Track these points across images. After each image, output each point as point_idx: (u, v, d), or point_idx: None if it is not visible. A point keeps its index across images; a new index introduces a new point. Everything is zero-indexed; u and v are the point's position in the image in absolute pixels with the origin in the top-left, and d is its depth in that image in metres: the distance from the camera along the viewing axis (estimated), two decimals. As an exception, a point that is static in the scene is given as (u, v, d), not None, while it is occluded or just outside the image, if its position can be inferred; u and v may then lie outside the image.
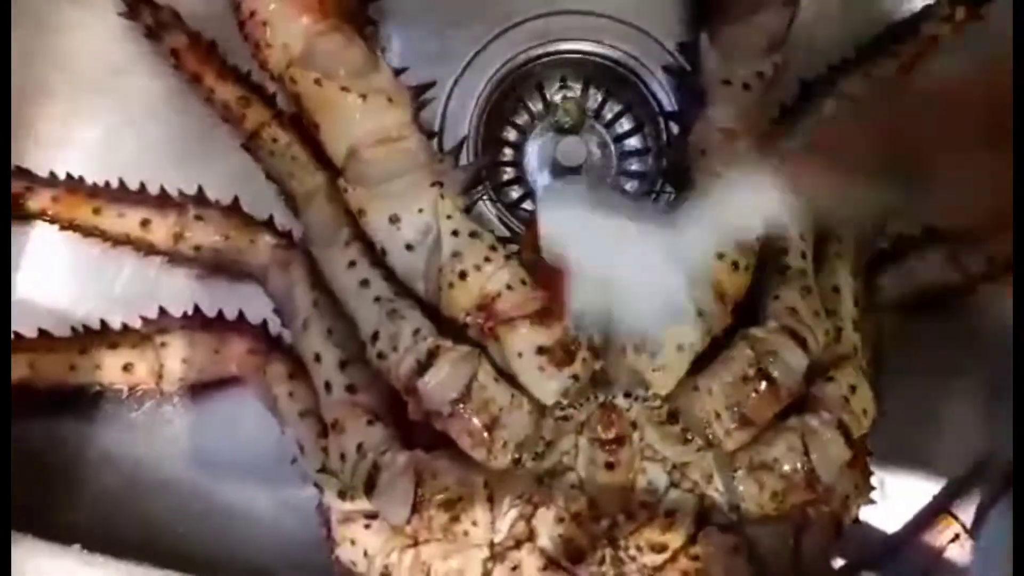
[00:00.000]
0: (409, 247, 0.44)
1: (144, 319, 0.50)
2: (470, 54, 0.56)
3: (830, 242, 0.49)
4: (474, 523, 0.41)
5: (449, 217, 0.44)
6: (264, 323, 0.50)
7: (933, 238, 0.52)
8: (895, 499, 0.54)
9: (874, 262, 0.51)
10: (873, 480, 0.50)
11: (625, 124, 0.58)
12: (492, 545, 0.41)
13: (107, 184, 0.52)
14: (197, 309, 0.50)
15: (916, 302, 0.52)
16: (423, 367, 0.41)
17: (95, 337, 0.49)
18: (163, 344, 0.48)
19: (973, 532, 0.51)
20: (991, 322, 0.55)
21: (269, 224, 0.51)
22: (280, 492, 0.51)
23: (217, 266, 0.51)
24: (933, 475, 0.55)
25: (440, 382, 0.41)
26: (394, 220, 0.45)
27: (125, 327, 0.50)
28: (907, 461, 0.55)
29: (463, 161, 0.53)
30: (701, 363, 0.43)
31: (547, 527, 0.41)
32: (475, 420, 0.41)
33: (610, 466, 0.41)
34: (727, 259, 0.44)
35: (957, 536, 0.51)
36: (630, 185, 0.57)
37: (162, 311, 0.50)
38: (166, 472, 0.52)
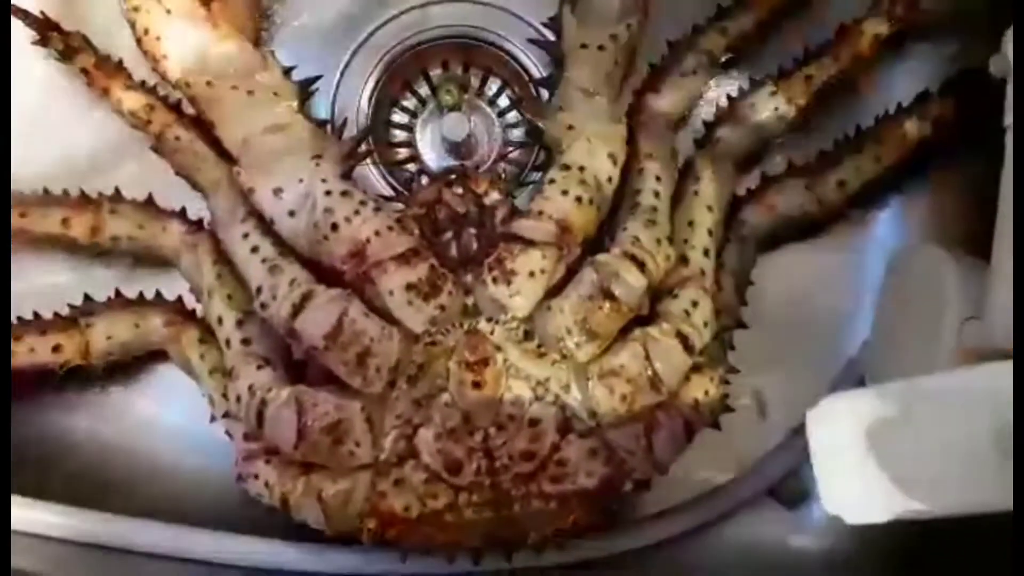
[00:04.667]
0: (291, 213, 0.49)
1: (71, 306, 0.55)
2: (354, 47, 0.61)
3: (689, 181, 0.55)
4: (357, 444, 0.46)
5: (324, 181, 0.49)
6: (179, 298, 0.55)
7: (791, 173, 0.57)
8: (776, 414, 0.59)
9: (741, 198, 0.56)
10: (750, 395, 0.55)
11: (506, 99, 0.64)
12: (377, 462, 0.46)
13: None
14: (119, 293, 0.55)
15: (783, 233, 0.57)
16: (297, 309, 0.46)
17: (28, 325, 0.54)
18: (88, 325, 0.53)
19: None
20: (853, 242, 0.61)
21: (179, 213, 0.56)
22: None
23: (135, 254, 0.56)
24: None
25: (312, 321, 0.46)
26: (277, 192, 0.50)
27: (55, 315, 0.55)
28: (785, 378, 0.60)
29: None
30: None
31: (427, 444, 0.46)
32: (348, 351, 0.46)
33: (477, 385, 0.46)
34: (571, 195, 0.49)
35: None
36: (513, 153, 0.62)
37: (87, 297, 0.55)
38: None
